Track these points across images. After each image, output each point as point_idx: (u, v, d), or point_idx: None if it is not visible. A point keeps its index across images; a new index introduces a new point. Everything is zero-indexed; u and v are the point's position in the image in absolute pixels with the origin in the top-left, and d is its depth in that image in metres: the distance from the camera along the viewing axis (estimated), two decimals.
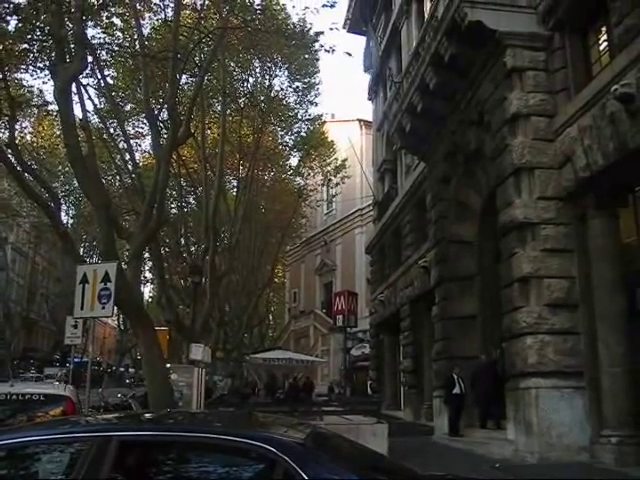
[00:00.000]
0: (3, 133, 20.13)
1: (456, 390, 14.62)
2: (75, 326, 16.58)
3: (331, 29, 39.33)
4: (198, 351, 14.81)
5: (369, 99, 33.25)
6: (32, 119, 31.89)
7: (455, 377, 14.69)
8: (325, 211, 47.75)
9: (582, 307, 11.01)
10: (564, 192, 11.34)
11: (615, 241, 10.79)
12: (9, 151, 14.57)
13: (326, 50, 19.36)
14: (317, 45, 22.93)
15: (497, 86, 12.71)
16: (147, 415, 4.37)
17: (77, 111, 30.28)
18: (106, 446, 2.71)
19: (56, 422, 3.69)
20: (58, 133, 34.15)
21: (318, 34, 22.04)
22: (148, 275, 41.45)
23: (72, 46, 13.43)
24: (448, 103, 15.30)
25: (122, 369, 67.37)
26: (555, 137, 11.63)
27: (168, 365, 16.71)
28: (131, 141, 24.06)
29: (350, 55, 24.76)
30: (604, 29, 11.45)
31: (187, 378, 14.63)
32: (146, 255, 25.84)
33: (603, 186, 10.68)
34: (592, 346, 10.67)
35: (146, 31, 20.49)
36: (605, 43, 11.45)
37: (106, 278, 9.98)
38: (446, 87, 14.76)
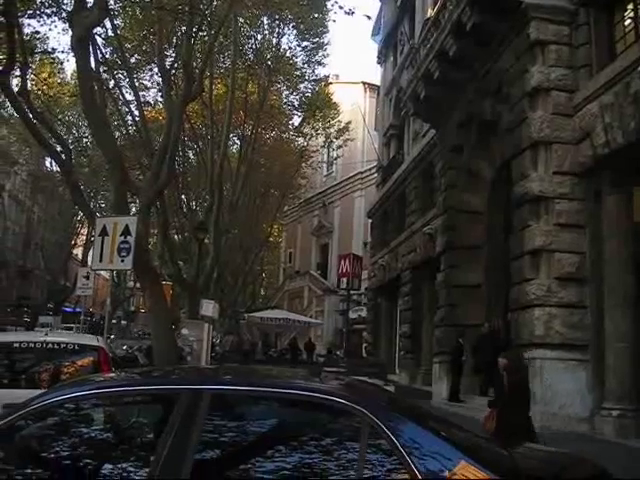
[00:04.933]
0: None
1: (464, 357, 14.89)
2: (87, 277, 16.63)
3: None
4: (209, 307, 14.95)
5: (378, 63, 32.94)
6: (34, 67, 31.22)
7: (462, 344, 14.93)
8: (325, 173, 47.51)
9: (591, 282, 11.22)
10: (580, 168, 11.44)
11: (628, 219, 10.93)
12: (20, 99, 14.41)
13: (346, 12, 19.01)
14: (336, 7, 22.58)
15: (518, 58, 12.66)
16: (236, 371, 4.48)
17: None
18: (198, 400, 2.83)
19: (147, 373, 3.81)
20: (59, 81, 33.74)
21: None
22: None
23: None
24: (466, 72, 15.19)
25: (114, 321, 67.80)
26: (574, 113, 11.66)
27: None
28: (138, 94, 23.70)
29: (369, 18, 24.25)
30: (630, 7, 11.43)
31: (197, 334, 14.79)
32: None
33: (621, 164, 10.77)
34: (599, 321, 10.92)
35: None
36: (629, 21, 11.44)
37: (126, 231, 10.06)
38: (465, 56, 14.66)
